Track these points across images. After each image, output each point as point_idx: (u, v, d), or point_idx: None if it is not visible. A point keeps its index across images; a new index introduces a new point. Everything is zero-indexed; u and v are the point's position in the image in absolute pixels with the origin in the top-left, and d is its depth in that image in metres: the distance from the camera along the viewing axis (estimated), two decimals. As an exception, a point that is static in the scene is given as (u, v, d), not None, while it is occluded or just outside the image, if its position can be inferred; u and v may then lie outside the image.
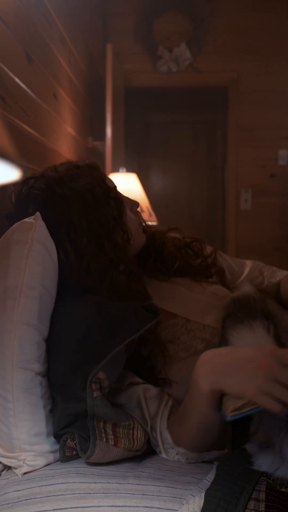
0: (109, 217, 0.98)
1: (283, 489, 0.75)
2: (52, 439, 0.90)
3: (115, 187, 1.06)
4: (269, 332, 0.96)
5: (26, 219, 0.96)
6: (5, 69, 1.50)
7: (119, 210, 1.01)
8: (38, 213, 0.97)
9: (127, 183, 2.61)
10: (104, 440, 0.82)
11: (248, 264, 1.26)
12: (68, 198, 0.96)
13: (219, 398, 0.79)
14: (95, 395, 0.80)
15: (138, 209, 1.12)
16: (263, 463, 0.78)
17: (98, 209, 0.97)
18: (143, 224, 1.12)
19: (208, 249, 1.22)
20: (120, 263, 0.98)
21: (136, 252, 1.09)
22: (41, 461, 0.88)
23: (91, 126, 3.00)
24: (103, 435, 0.82)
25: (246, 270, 1.25)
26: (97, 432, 0.81)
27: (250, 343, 0.92)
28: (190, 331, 0.99)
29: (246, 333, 0.95)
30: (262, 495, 0.72)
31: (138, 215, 1.10)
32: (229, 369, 0.76)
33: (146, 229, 1.14)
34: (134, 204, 1.10)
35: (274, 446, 0.79)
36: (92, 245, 0.96)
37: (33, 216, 0.96)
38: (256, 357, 0.74)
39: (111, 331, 0.86)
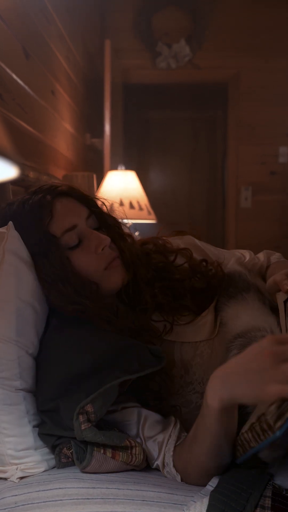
0: (49, 271, 0.90)
1: None
2: (42, 450, 0.88)
3: (66, 230, 0.92)
4: (265, 304, 0.94)
5: None
6: (3, 65, 1.48)
7: (60, 263, 0.90)
8: (10, 223, 0.93)
9: (126, 181, 2.59)
10: (102, 451, 0.80)
11: (246, 254, 1.21)
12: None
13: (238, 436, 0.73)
14: (83, 427, 0.78)
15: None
16: (280, 477, 0.74)
17: (35, 264, 0.91)
18: (119, 260, 0.95)
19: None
20: (83, 308, 0.89)
21: (111, 294, 0.96)
22: (36, 470, 0.86)
23: (89, 123, 2.98)
24: (101, 446, 0.80)
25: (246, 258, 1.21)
26: (94, 443, 0.80)
27: (246, 321, 0.89)
28: (189, 383, 0.92)
29: (240, 308, 0.92)
30: (268, 502, 0.70)
31: (105, 253, 0.93)
32: (237, 376, 0.69)
33: (133, 263, 0.97)
34: (100, 243, 0.92)
35: None
36: (45, 290, 0.92)
37: (5, 226, 0.93)
38: (257, 353, 0.67)
39: (108, 366, 0.83)
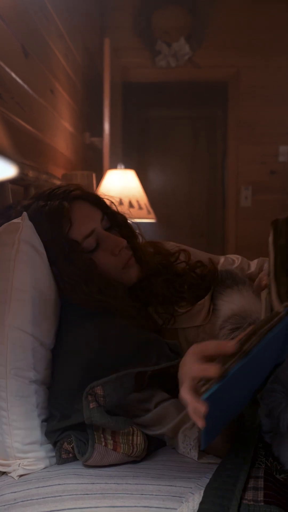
0: (73, 274, 0.93)
1: (279, 476, 0.74)
2: (47, 446, 0.88)
3: (86, 236, 0.96)
4: (258, 297, 0.97)
5: (14, 220, 0.94)
6: (2, 64, 1.48)
7: (84, 265, 0.94)
8: (25, 213, 0.95)
9: (125, 180, 2.59)
10: (103, 444, 0.81)
11: (236, 260, 1.25)
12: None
13: None
14: (91, 406, 0.79)
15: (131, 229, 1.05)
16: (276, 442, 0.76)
17: (59, 266, 0.94)
18: (133, 257, 1.01)
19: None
20: (106, 305, 0.93)
21: (129, 285, 1.02)
22: (36, 466, 0.86)
23: (88, 121, 2.98)
24: (102, 439, 0.81)
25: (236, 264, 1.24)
26: (96, 436, 0.80)
27: (241, 305, 0.93)
28: None
29: (235, 295, 0.96)
30: (261, 483, 0.70)
31: (122, 254, 0.99)
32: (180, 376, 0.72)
33: (145, 258, 1.03)
34: (117, 245, 0.98)
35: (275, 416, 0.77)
36: (68, 292, 0.95)
37: (20, 217, 0.95)
38: (185, 360, 0.70)
39: (125, 360, 0.85)
